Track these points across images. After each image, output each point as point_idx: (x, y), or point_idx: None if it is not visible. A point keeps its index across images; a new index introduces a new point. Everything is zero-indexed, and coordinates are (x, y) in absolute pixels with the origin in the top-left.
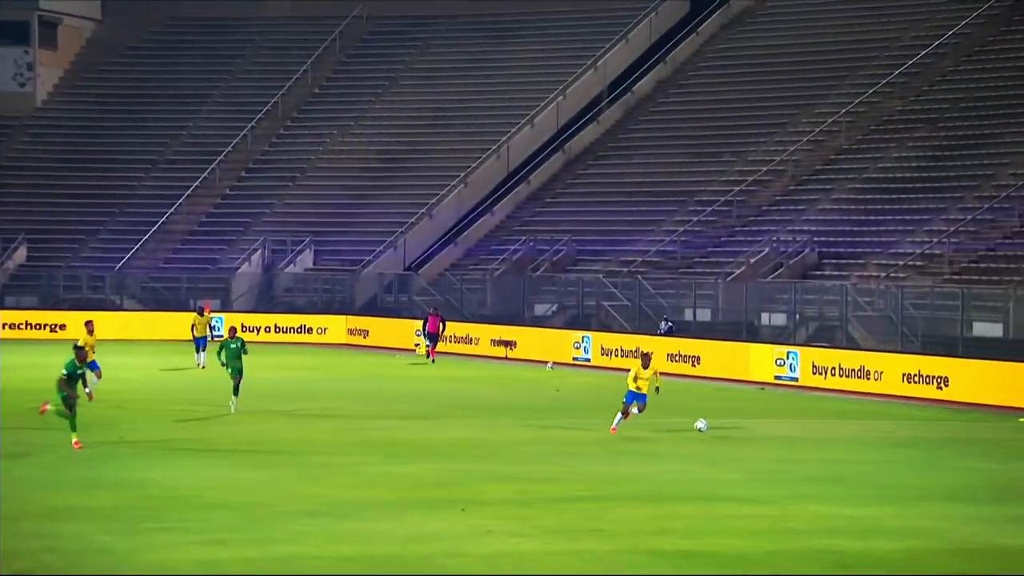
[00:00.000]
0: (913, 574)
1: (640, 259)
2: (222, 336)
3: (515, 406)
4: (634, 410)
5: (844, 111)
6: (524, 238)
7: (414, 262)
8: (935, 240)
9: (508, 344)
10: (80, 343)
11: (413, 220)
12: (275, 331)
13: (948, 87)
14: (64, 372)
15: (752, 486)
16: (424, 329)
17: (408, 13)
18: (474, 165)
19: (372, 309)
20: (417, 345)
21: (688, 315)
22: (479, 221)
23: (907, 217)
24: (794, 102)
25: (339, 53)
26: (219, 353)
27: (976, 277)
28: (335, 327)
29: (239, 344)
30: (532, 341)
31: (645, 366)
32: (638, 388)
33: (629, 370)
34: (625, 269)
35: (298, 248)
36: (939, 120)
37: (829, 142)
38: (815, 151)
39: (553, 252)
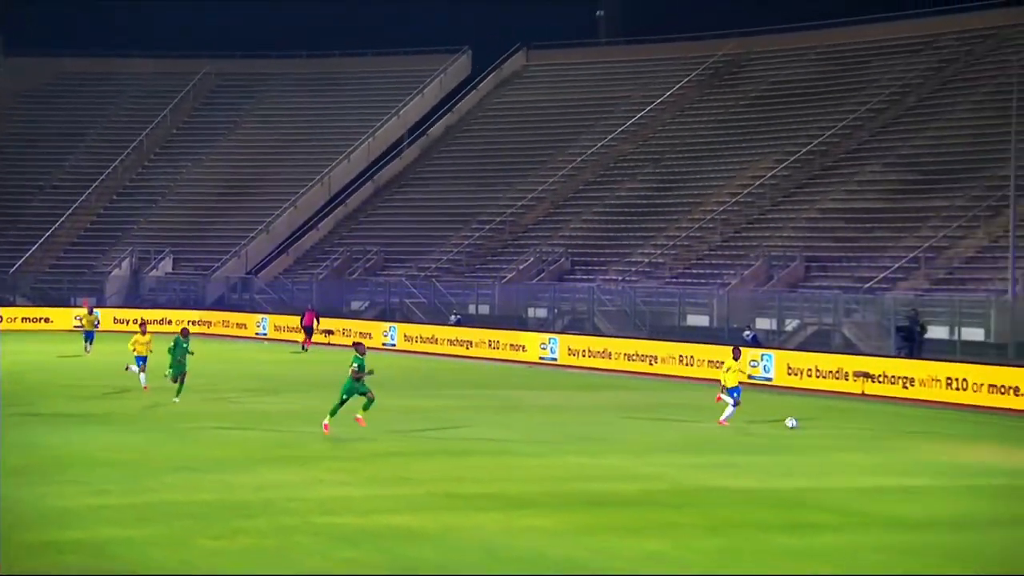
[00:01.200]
0: (646, 507)
1: (434, 265)
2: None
3: (338, 382)
4: (726, 398)
5: (590, 152)
6: (342, 249)
7: (254, 268)
8: (659, 252)
9: (328, 332)
10: (138, 341)
11: (253, 235)
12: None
13: (667, 135)
14: (354, 364)
15: (527, 443)
16: (301, 322)
17: (248, 70)
18: (303, 191)
19: (220, 305)
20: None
21: (472, 309)
22: (306, 235)
23: (638, 233)
24: (552, 144)
25: (193, 101)
26: (171, 349)
27: (689, 280)
28: (190, 319)
29: (187, 344)
30: (349, 330)
31: (736, 358)
32: (725, 381)
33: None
34: (422, 273)
35: (160, 256)
36: (661, 160)
37: (579, 176)
38: (568, 182)
39: (365, 260)
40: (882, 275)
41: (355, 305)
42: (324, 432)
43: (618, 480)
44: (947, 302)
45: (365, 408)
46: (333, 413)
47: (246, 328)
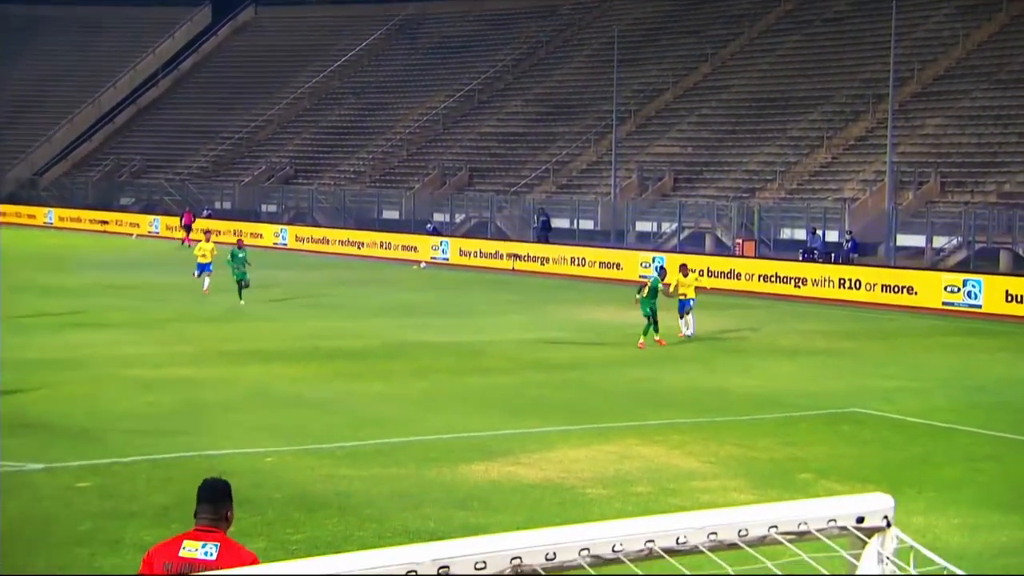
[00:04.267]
0: (368, 359)
1: (186, 172)
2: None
3: (110, 262)
4: (688, 319)
5: (307, 85)
6: (112, 157)
7: (39, 170)
8: (361, 163)
9: (104, 222)
10: (203, 249)
11: (38, 144)
12: None
13: (366, 75)
14: (652, 283)
15: (273, 311)
16: (181, 221)
17: (31, 13)
18: (78, 110)
19: (13, 200)
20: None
21: (218, 205)
22: (82, 145)
23: (345, 149)
24: (277, 79)
25: None
26: (229, 261)
27: (384, 184)
28: None
29: (245, 253)
30: (123, 220)
31: (685, 275)
32: (684, 295)
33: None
34: (178, 177)
35: None
36: (361, 93)
37: (299, 104)
38: (290, 108)
39: (131, 166)
40: (523, 181)
41: (125, 201)
42: (641, 348)
43: (345, 338)
44: (569, 201)
45: (644, 333)
46: (652, 332)
47: (35, 218)
